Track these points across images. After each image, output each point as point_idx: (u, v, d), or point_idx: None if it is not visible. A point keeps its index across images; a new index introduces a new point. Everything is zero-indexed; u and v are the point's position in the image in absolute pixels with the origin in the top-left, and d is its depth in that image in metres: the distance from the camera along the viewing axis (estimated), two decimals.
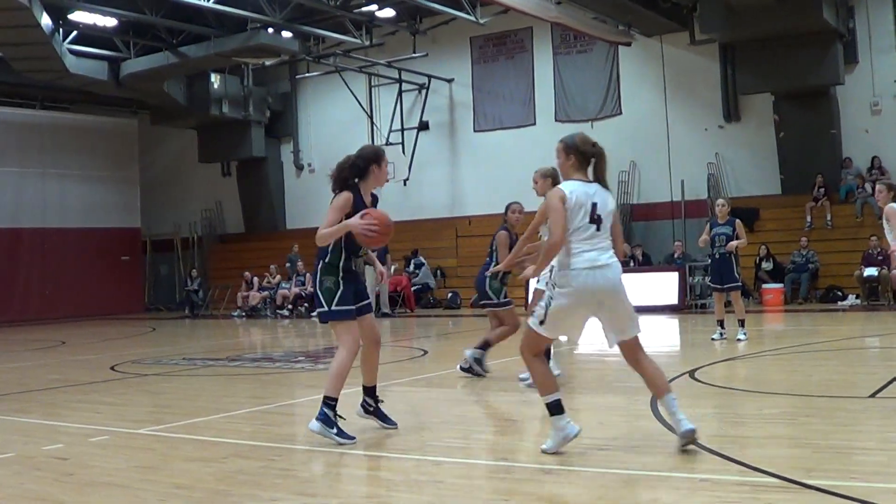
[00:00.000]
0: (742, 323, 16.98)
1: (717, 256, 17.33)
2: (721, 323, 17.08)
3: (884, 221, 14.41)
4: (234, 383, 14.70)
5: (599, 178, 8.02)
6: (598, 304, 7.81)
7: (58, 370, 17.94)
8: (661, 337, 19.88)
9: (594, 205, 7.82)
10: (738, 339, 16.67)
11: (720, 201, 17.87)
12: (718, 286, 17.36)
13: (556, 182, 9.89)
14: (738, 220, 17.17)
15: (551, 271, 8.38)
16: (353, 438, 8.73)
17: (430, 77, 34.91)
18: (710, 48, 30.18)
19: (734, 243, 16.85)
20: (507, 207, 14.00)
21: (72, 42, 31.35)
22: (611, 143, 30.28)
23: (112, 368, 17.15)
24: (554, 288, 7.81)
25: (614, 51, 31.82)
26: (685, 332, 21.52)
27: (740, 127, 30.32)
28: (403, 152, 34.42)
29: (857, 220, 27.22)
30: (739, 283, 17.37)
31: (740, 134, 30.22)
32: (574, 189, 7.84)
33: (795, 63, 27.12)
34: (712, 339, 16.93)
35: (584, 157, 8.01)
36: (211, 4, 27.87)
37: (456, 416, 9.59)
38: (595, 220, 7.80)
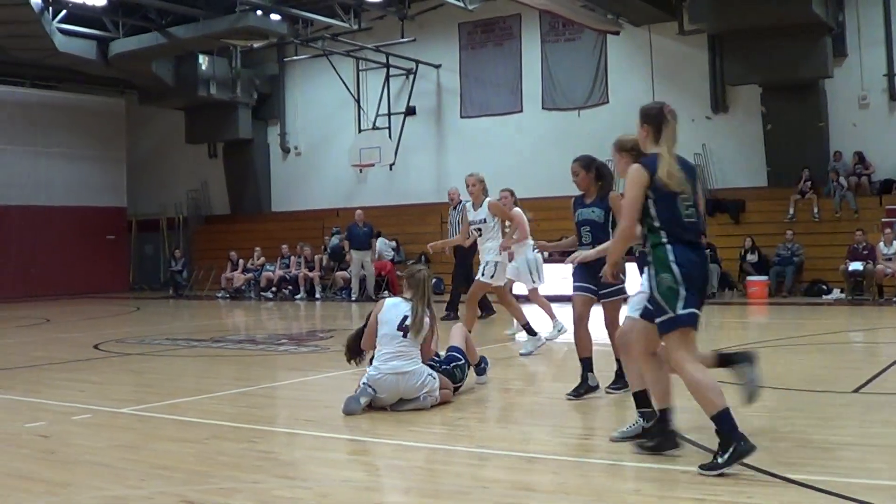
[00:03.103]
0: None
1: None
2: None
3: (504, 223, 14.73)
4: (216, 364, 14.70)
5: None
6: None
7: (42, 348, 17.92)
8: None
9: None
10: None
11: None
12: None
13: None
14: None
15: None
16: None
17: (417, 62, 34.84)
18: (699, 38, 30.15)
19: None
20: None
21: (61, 21, 31.20)
22: (598, 132, 30.34)
23: (96, 347, 17.12)
24: None
25: (602, 39, 31.78)
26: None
27: (728, 118, 30.30)
28: (390, 137, 34.38)
29: (836, 215, 27.25)
30: None
31: (727, 125, 30.20)
32: None
33: (784, 55, 27.11)
34: None
35: None
36: None
37: (438, 404, 9.60)
38: None
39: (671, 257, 7.21)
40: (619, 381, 10.04)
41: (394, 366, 9.52)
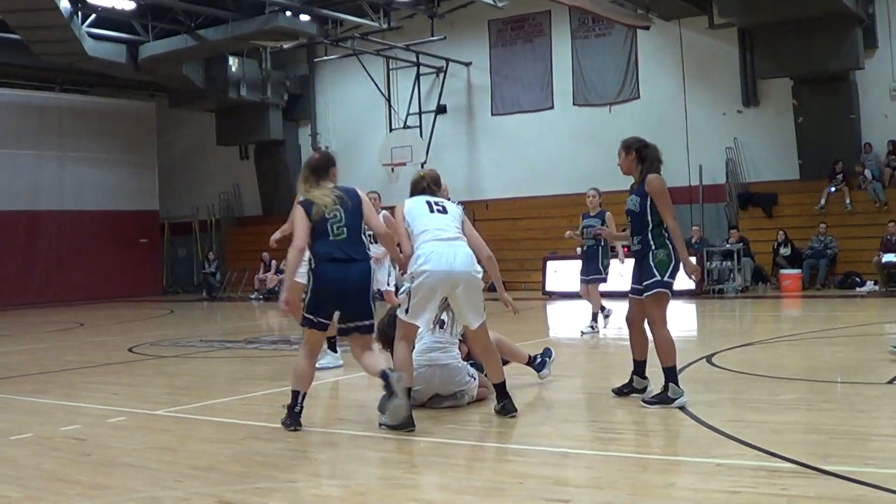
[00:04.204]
0: (594, 316, 17.06)
1: (584, 248, 17.23)
2: (595, 316, 17.11)
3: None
4: (251, 365, 14.75)
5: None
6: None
7: (76, 352, 18.01)
8: (678, 322, 19.82)
9: None
10: (583, 332, 16.80)
11: (591, 192, 17.49)
12: (585, 277, 17.22)
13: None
14: (608, 213, 17.05)
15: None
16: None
17: (447, 60, 34.82)
18: (729, 32, 30.04)
19: (602, 230, 16.86)
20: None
21: (90, 25, 31.38)
22: (628, 128, 30.01)
23: (130, 350, 17.22)
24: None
25: (633, 35, 31.71)
26: (702, 316, 21.49)
27: (759, 112, 30.18)
28: (421, 136, 34.40)
29: (876, 205, 27.09)
30: (603, 276, 17.04)
31: (759, 119, 30.09)
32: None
33: (815, 48, 27.00)
34: (582, 332, 16.89)
35: None
36: None
37: (474, 401, 9.61)
38: None
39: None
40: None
41: (431, 357, 9.49)
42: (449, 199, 18.24)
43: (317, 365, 12.33)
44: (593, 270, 16.96)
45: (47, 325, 25.28)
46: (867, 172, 27.17)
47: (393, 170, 33.77)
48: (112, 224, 38.02)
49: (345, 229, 8.93)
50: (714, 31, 30.25)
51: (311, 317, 8.97)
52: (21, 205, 35.89)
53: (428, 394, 9.55)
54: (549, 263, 28.32)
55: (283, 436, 8.65)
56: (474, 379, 9.63)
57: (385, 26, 32.55)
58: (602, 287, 17.17)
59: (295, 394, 8.91)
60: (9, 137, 35.62)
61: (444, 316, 9.57)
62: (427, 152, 33.79)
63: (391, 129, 35.45)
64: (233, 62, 35.66)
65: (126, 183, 38.89)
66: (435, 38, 33.69)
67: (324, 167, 9.33)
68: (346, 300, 8.89)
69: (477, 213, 32.91)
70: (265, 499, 6.67)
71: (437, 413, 9.33)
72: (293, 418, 8.86)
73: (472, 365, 9.81)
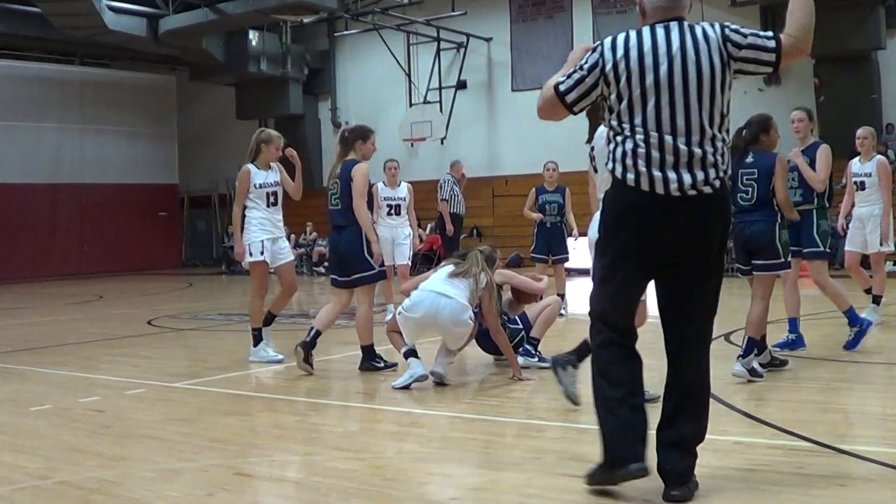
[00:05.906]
0: (563, 297, 16.57)
1: (547, 226, 16.70)
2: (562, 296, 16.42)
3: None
4: (270, 339, 14.77)
5: None
6: None
7: (95, 324, 18.08)
8: None
9: None
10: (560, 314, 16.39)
11: (549, 165, 17.23)
12: (544, 257, 16.67)
13: None
14: (567, 188, 16.78)
15: None
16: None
17: (468, 36, 34.71)
18: (751, 10, 29.87)
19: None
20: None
21: None
22: None
23: (149, 323, 17.27)
24: None
25: None
26: (722, 295, 21.40)
27: (780, 90, 30.01)
28: (441, 111, 34.34)
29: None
30: (568, 256, 16.76)
31: (780, 97, 29.89)
32: None
33: (837, 26, 26.79)
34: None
35: None
36: None
37: (491, 375, 9.61)
38: None
39: None
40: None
41: (444, 288, 9.45)
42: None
43: (261, 359, 12.23)
44: (562, 249, 16.67)
45: (67, 297, 25.37)
46: (890, 153, 27.06)
47: (412, 145, 33.75)
48: (132, 197, 38.05)
49: (338, 200, 10.68)
50: (736, 8, 30.08)
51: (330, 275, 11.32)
52: (42, 177, 35.91)
53: (426, 324, 9.49)
54: (569, 240, 28.32)
55: (301, 409, 8.70)
56: (473, 322, 9.55)
57: (406, 1, 32.48)
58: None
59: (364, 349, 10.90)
60: (30, 110, 35.61)
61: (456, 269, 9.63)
62: (447, 128, 33.76)
63: (411, 105, 35.36)
64: (253, 36, 35.61)
65: (146, 156, 38.95)
66: (455, 13, 33.57)
67: (350, 140, 10.89)
68: (338, 260, 10.97)
69: (497, 188, 32.92)
70: (282, 471, 6.70)
71: (453, 389, 9.35)
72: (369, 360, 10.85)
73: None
